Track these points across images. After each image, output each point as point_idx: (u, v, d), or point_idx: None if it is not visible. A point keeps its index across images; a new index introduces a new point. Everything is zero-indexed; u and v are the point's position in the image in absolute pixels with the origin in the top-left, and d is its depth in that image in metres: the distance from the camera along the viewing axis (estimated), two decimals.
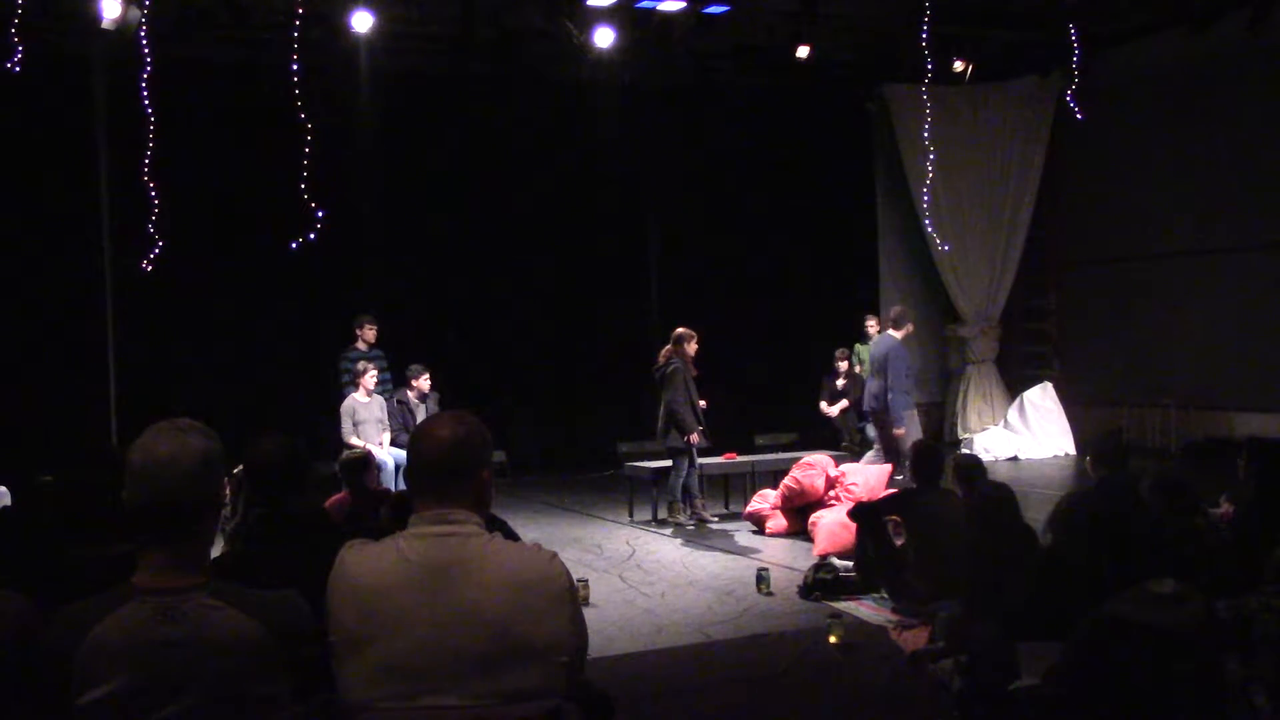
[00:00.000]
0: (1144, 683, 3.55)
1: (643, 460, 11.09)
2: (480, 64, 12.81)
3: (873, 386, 10.51)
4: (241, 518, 5.93)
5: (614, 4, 11.67)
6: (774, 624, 6.83)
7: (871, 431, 12.18)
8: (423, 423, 2.72)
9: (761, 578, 7.61)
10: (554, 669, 2.41)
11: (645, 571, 8.41)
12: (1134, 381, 14.25)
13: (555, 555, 2.53)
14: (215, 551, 2.67)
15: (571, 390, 14.23)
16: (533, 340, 14.04)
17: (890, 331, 10.51)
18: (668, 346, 10.24)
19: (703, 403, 10.19)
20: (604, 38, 11.95)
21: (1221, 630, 3.77)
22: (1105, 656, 3.63)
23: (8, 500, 7.81)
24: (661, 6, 11.98)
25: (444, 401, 10.87)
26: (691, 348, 10.14)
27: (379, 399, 10.80)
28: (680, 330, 10.25)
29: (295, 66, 10.73)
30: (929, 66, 12.88)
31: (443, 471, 2.51)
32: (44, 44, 10.54)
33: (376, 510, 6.32)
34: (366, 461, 7.38)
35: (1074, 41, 13.18)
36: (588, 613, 4.02)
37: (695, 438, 10.00)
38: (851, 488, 9.08)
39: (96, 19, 10.12)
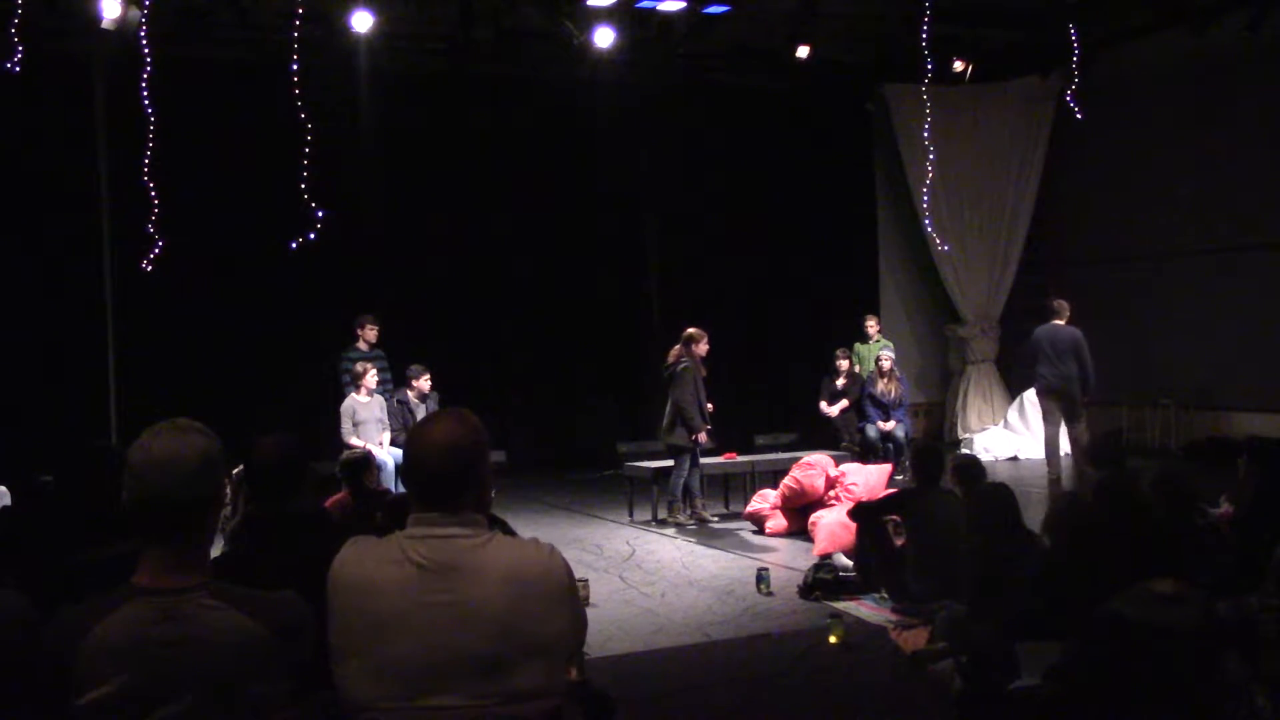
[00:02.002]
0: (1145, 682, 3.55)
1: (643, 460, 11.09)
2: (480, 64, 12.82)
3: (1065, 369, 11.35)
4: (241, 518, 5.93)
5: (614, 4, 11.66)
6: (774, 624, 6.83)
7: (872, 432, 12.19)
8: (419, 423, 2.68)
9: (761, 578, 7.60)
10: (555, 667, 2.40)
11: (645, 571, 8.40)
12: (1134, 381, 14.25)
13: (554, 549, 2.53)
14: (215, 551, 2.67)
15: (571, 390, 14.23)
16: (533, 340, 14.03)
17: (1059, 321, 11.58)
18: (678, 346, 10.30)
19: (710, 405, 10.23)
20: (604, 38, 11.94)
21: (1222, 630, 3.78)
22: (1106, 655, 3.63)
23: (8, 500, 7.80)
24: (661, 6, 11.97)
25: (444, 401, 10.85)
26: (702, 348, 10.22)
27: (379, 399, 10.79)
28: (690, 331, 10.32)
29: (295, 66, 10.72)
30: (929, 66, 12.87)
31: (440, 472, 2.49)
32: (44, 44, 10.53)
33: (376, 510, 6.32)
34: (366, 461, 7.39)
35: (1074, 41, 13.17)
36: (588, 613, 4.01)
37: (702, 436, 10.06)
38: (851, 488, 9.08)
39: (96, 19, 10.13)
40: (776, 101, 14.69)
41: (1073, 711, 3.76)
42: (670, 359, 10.30)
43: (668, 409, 10.21)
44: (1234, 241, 13.34)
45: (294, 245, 11.38)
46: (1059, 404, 11.50)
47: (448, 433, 2.52)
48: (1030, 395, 14.73)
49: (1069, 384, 11.36)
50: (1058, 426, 11.58)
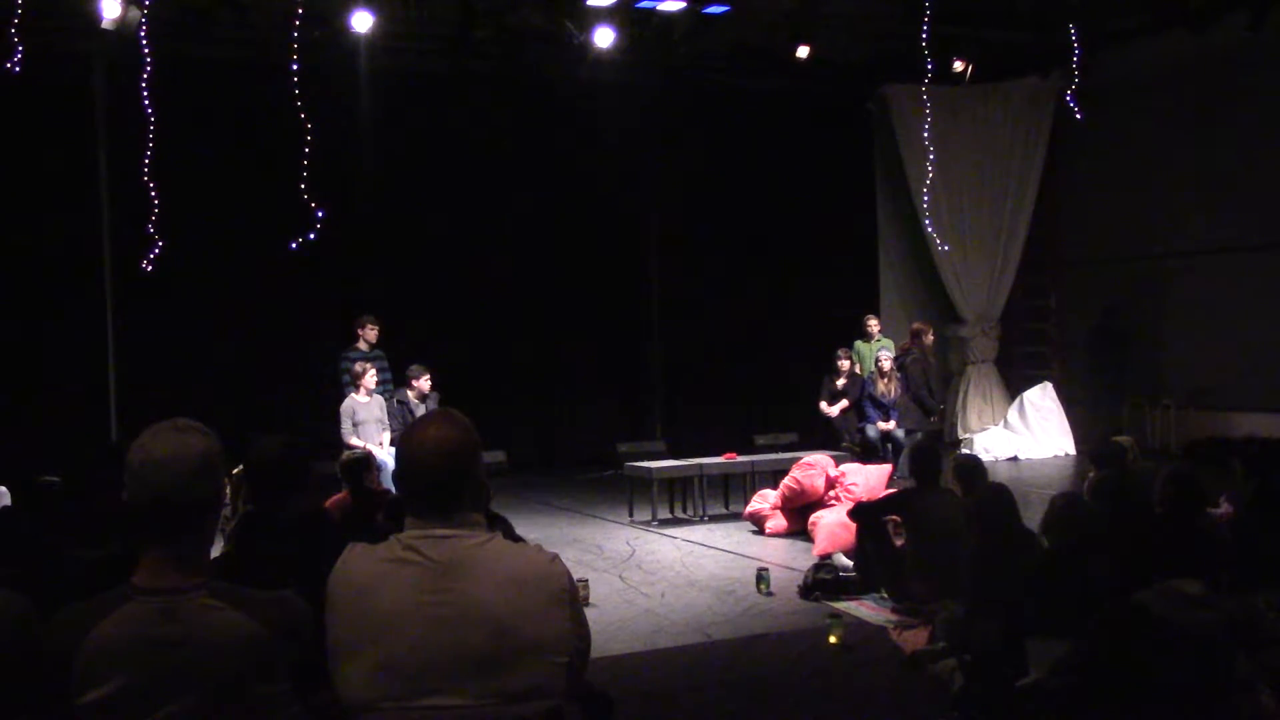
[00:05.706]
0: (1158, 678, 3.55)
1: (643, 460, 11.08)
2: (480, 64, 12.81)
3: None
4: (241, 518, 5.93)
5: (614, 4, 11.66)
6: (774, 624, 6.83)
7: (872, 431, 12.19)
8: (409, 428, 2.64)
9: (761, 578, 7.60)
10: (554, 668, 2.40)
11: (645, 571, 8.40)
12: (1134, 381, 14.25)
13: (556, 557, 2.52)
14: (215, 551, 2.67)
15: (571, 390, 14.22)
16: (533, 340, 14.03)
17: None
18: (906, 340, 12.04)
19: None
20: (604, 38, 11.94)
21: (1234, 630, 3.79)
22: (1121, 650, 3.63)
23: (8, 500, 7.80)
24: (661, 6, 11.97)
25: (444, 401, 10.85)
26: (929, 339, 12.10)
27: (379, 399, 10.79)
28: (916, 325, 12.07)
29: (295, 66, 10.72)
30: (929, 66, 12.87)
31: (435, 476, 2.48)
32: (44, 44, 10.53)
33: (376, 510, 6.33)
34: (366, 462, 7.39)
35: (1074, 41, 13.18)
36: (588, 613, 4.02)
37: (935, 418, 11.91)
38: (851, 488, 9.08)
39: (96, 19, 10.12)
40: (776, 101, 14.68)
41: (1078, 706, 3.77)
42: (898, 351, 11.90)
43: (901, 397, 11.95)
44: (1234, 241, 13.33)
45: (294, 245, 11.38)
46: None
47: (439, 435, 2.50)
48: (1030, 395, 14.78)
49: None
50: None
